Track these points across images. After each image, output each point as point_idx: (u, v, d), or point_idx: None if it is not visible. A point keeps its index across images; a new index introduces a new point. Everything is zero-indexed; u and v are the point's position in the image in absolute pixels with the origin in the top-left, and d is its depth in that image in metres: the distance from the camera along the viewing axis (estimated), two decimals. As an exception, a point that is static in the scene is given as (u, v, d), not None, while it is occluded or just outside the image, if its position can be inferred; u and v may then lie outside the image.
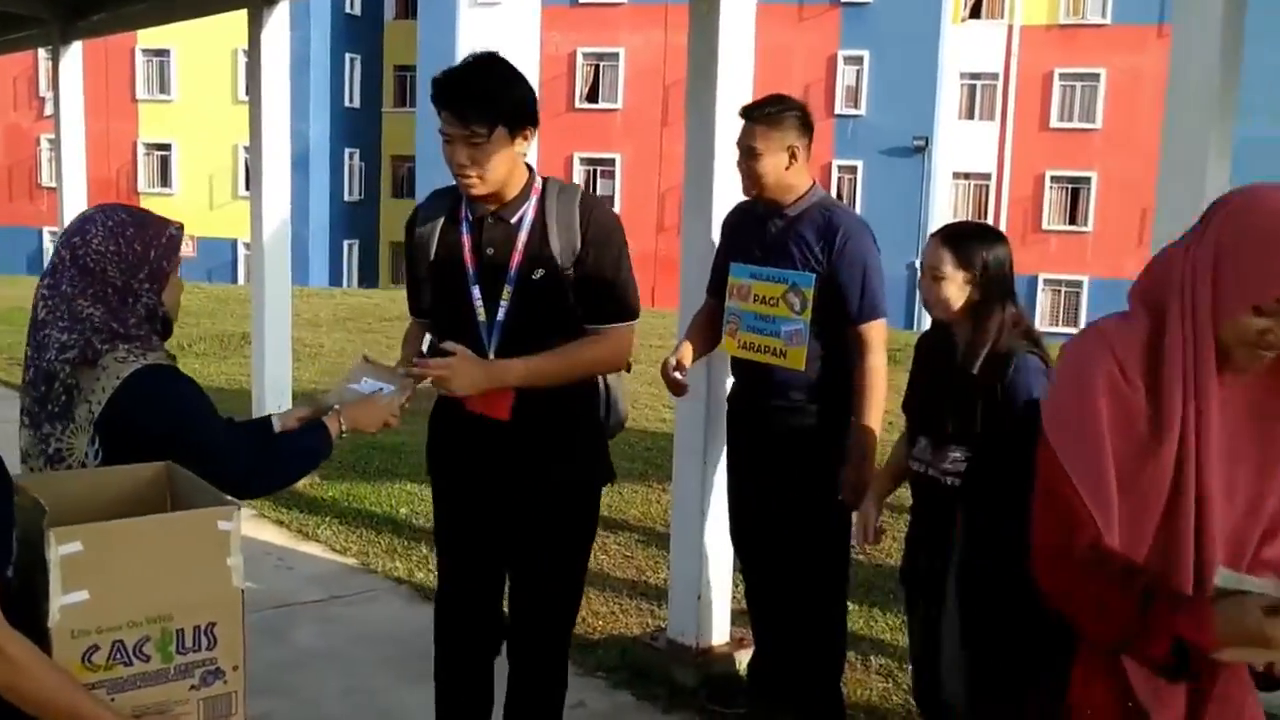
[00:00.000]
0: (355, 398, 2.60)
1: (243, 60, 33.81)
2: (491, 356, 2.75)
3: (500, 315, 2.75)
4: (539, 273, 2.73)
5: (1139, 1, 30.92)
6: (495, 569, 2.99)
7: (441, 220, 2.84)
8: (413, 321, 3.08)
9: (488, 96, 2.60)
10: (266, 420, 2.57)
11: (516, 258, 2.74)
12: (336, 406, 2.54)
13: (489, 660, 3.06)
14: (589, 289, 2.77)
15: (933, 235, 3.04)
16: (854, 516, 3.35)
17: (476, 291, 2.76)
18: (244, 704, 1.97)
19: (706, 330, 3.70)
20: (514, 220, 2.76)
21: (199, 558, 1.91)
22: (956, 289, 2.89)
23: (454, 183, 2.76)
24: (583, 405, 2.90)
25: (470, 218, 2.80)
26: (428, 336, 2.97)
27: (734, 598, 4.25)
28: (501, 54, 2.69)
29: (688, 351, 3.62)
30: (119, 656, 1.84)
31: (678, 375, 3.58)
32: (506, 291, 2.74)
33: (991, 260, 2.87)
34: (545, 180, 2.81)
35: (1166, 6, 28.79)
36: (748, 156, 3.40)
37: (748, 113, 3.45)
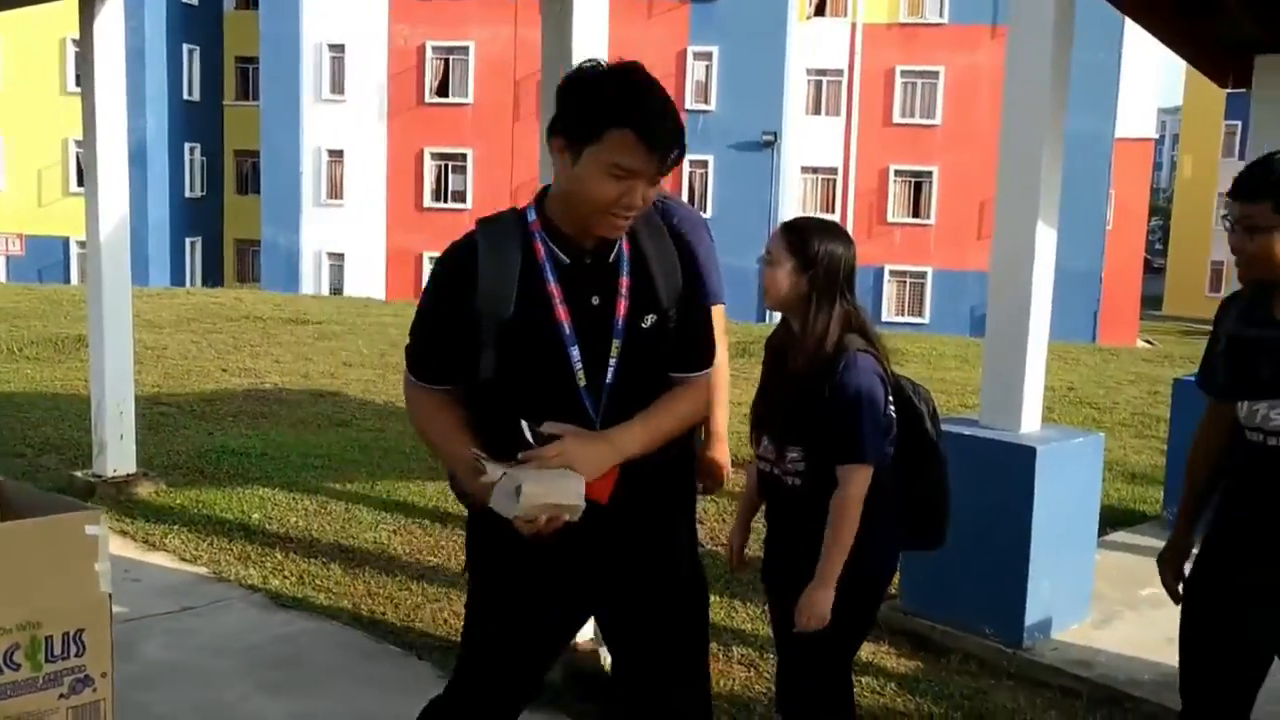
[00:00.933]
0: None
1: (71, 49, 32.44)
2: (598, 427, 2.26)
3: (609, 377, 2.27)
4: (649, 319, 2.29)
5: (974, 2, 32.21)
6: (542, 666, 2.54)
7: (518, 265, 2.25)
8: (426, 395, 2.37)
9: (682, 129, 2.20)
10: None
11: (623, 305, 2.27)
12: None
13: None
14: (687, 332, 2.37)
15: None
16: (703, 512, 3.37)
17: (575, 352, 2.25)
18: (113, 711, 1.94)
19: None
20: (612, 259, 2.29)
21: (68, 563, 1.87)
22: (784, 275, 2.88)
23: (494, 214, 2.33)
24: (688, 466, 2.51)
25: (559, 261, 2.26)
26: (525, 426, 2.22)
27: (597, 592, 4.27)
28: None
29: None
30: (-11, 665, 1.81)
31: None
32: (615, 346, 2.26)
33: (823, 253, 2.85)
34: None
35: (1000, 8, 30.08)
36: None
37: None
